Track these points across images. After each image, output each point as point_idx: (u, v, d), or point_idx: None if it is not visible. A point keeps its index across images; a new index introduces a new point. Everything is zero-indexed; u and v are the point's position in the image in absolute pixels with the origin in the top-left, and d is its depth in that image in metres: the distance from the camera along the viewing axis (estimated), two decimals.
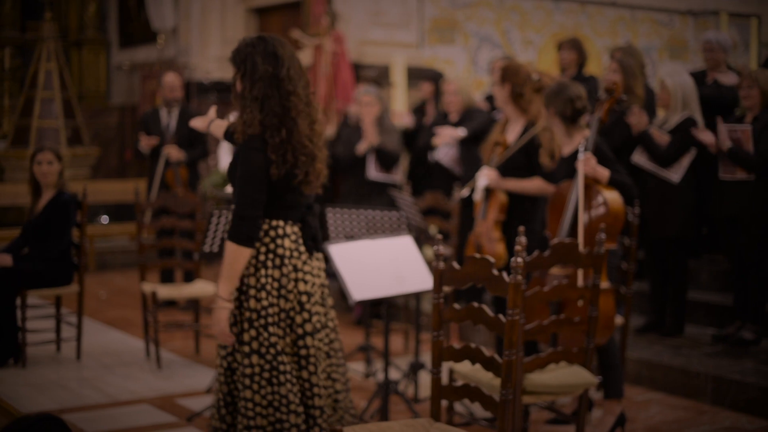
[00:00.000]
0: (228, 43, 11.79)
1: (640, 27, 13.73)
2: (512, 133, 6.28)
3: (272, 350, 4.27)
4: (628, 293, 6.01)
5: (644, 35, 13.71)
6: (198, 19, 13.92)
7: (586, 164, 5.55)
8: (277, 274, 4.30)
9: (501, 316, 4.06)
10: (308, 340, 4.34)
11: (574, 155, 5.75)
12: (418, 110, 9.98)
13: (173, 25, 14.37)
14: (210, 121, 4.84)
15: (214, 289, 7.40)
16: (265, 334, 4.27)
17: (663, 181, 7.28)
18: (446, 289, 4.68)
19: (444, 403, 4.44)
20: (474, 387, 4.19)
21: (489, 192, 6.27)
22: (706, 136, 7.08)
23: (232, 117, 4.39)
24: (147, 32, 14.93)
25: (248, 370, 4.26)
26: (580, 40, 9.24)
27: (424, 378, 6.65)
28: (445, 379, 4.47)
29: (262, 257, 4.31)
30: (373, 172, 8.75)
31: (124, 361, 7.55)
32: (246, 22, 13.60)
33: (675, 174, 7.25)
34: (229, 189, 7.32)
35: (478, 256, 4.20)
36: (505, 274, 4.06)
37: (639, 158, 7.35)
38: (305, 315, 4.34)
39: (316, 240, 4.44)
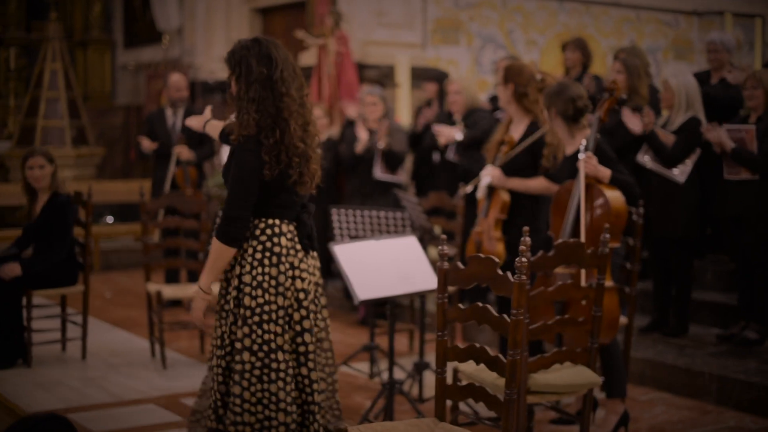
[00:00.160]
0: (232, 43, 11.74)
1: (645, 27, 13.73)
2: (516, 133, 6.29)
3: (265, 347, 4.31)
4: (632, 293, 6.02)
5: (649, 35, 13.72)
6: (203, 19, 13.95)
7: (587, 163, 5.55)
8: (274, 272, 4.34)
9: (505, 316, 4.07)
10: (307, 337, 4.39)
11: (576, 155, 5.76)
12: (423, 109, 9.99)
13: (178, 26, 14.39)
14: (206, 121, 4.88)
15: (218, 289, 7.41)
16: (259, 332, 4.31)
17: (667, 181, 7.29)
18: (451, 288, 4.69)
19: (448, 402, 4.46)
20: (478, 387, 4.20)
21: (492, 190, 6.28)
22: (713, 135, 7.08)
23: (233, 117, 4.41)
24: (152, 32, 14.97)
25: (239, 367, 4.31)
26: (585, 40, 9.25)
27: (429, 378, 6.66)
28: (449, 379, 4.48)
29: (258, 255, 4.35)
30: (378, 172, 8.77)
31: (129, 361, 7.57)
32: (250, 22, 13.62)
33: (680, 174, 7.25)
34: None
35: (482, 256, 4.21)
36: (509, 274, 4.07)
37: (643, 158, 7.35)
38: (303, 312, 4.39)
39: (311, 238, 4.50)
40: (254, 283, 4.33)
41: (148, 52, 15.28)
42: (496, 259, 4.16)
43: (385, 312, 8.19)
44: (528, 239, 4.20)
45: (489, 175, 6.21)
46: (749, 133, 7.01)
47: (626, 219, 5.64)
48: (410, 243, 5.69)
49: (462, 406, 5.70)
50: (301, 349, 4.39)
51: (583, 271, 5.32)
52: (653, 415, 6.21)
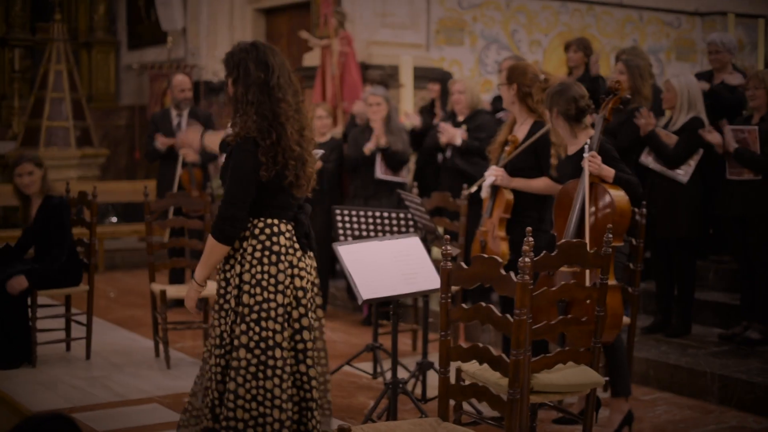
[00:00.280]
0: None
1: (648, 28, 13.73)
2: (520, 134, 6.30)
3: (263, 344, 4.37)
4: (635, 293, 6.03)
5: (651, 36, 13.72)
6: (206, 20, 13.97)
7: (591, 163, 5.57)
8: (273, 270, 4.41)
9: (508, 316, 4.09)
10: (305, 335, 4.47)
11: (578, 154, 5.77)
12: (427, 110, 9.99)
13: (182, 26, 14.41)
14: (202, 134, 4.93)
15: None
16: (257, 329, 4.38)
17: (670, 181, 7.30)
18: (454, 288, 4.71)
19: (451, 402, 4.47)
20: (481, 386, 4.22)
21: (496, 190, 6.29)
22: (713, 137, 7.10)
23: (230, 129, 4.47)
24: (156, 33, 14.99)
25: (235, 363, 4.38)
26: (588, 40, 9.26)
27: (432, 378, 6.67)
28: (452, 378, 4.50)
29: (258, 254, 4.42)
30: (380, 172, 8.78)
31: (134, 361, 7.59)
32: (254, 23, 13.63)
33: (683, 174, 7.26)
34: None
35: (485, 256, 4.22)
36: (512, 274, 4.09)
37: (646, 159, 7.37)
38: (302, 310, 4.47)
39: (309, 238, 4.59)
40: (253, 282, 4.40)
41: (152, 53, 15.30)
42: (499, 259, 4.18)
43: (388, 312, 8.19)
44: (531, 239, 4.22)
45: (493, 174, 6.23)
46: (752, 133, 7.03)
47: (630, 218, 5.65)
48: (413, 243, 5.71)
49: (465, 405, 5.72)
50: (300, 346, 4.47)
51: (587, 271, 5.33)
52: (656, 414, 6.23)
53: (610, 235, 4.76)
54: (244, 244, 4.44)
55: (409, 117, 9.36)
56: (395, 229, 6.79)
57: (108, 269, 12.17)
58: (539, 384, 4.64)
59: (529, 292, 4.06)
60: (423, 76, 10.83)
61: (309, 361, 4.48)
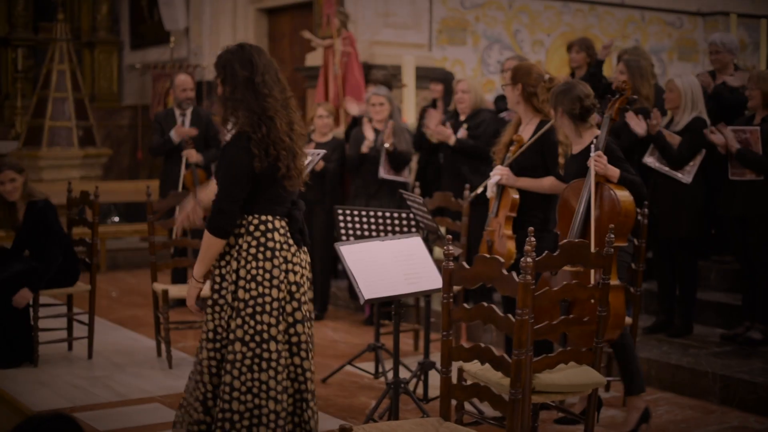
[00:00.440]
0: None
1: (650, 28, 13.73)
2: (525, 134, 6.28)
3: (257, 338, 4.49)
4: (637, 293, 6.03)
5: (654, 36, 13.72)
6: (209, 19, 13.97)
7: (598, 162, 5.57)
8: (268, 265, 4.53)
9: (510, 316, 4.09)
10: (299, 328, 4.60)
11: (583, 154, 5.77)
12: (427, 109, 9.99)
13: (185, 26, 14.42)
14: (195, 200, 5.01)
15: None
16: (252, 323, 4.49)
17: (672, 181, 7.29)
18: (456, 288, 4.71)
19: (453, 402, 4.47)
20: (483, 386, 4.22)
21: (502, 190, 6.28)
22: (716, 137, 7.10)
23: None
24: (159, 33, 15.00)
25: (230, 356, 4.50)
26: (590, 40, 9.26)
27: (434, 377, 6.67)
28: (454, 378, 4.50)
29: (253, 250, 4.54)
30: (383, 172, 8.78)
31: (136, 360, 7.59)
32: (257, 22, 13.64)
33: (687, 175, 7.26)
34: None
35: (487, 255, 4.23)
36: (514, 274, 4.09)
37: (649, 159, 7.36)
38: (295, 304, 4.60)
39: (303, 233, 4.70)
40: (249, 277, 4.52)
41: (154, 53, 15.31)
42: (502, 259, 4.18)
43: (390, 312, 8.20)
44: (533, 239, 4.22)
45: (498, 174, 6.21)
46: (754, 134, 7.03)
47: (635, 219, 5.66)
48: (415, 243, 5.71)
49: (467, 405, 5.72)
50: (294, 339, 4.60)
51: (592, 271, 5.33)
52: (657, 414, 6.22)
53: (612, 235, 4.76)
54: (240, 241, 4.56)
55: (441, 133, 9.15)
56: (397, 229, 6.79)
57: (110, 269, 12.18)
58: (541, 384, 4.64)
59: (531, 293, 4.06)
60: (425, 76, 10.83)
61: (303, 354, 4.62)
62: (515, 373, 4.05)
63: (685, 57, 13.89)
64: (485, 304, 4.22)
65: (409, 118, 10.21)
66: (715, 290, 8.14)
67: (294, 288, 4.59)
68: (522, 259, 4.09)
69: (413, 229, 6.72)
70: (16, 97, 15.09)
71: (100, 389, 6.78)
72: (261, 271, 4.51)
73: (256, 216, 4.57)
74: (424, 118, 9.03)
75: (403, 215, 6.79)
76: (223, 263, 4.61)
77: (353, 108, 9.68)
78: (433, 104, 10.03)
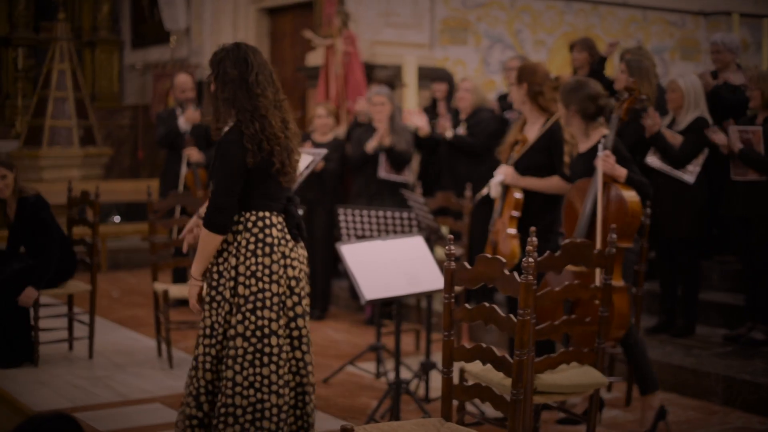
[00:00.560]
0: None
1: (652, 27, 13.71)
2: (531, 133, 6.26)
3: (258, 333, 4.53)
4: (639, 293, 6.01)
5: (656, 36, 13.69)
6: (210, 19, 13.96)
7: (605, 162, 5.55)
8: (267, 261, 4.56)
9: (512, 316, 4.07)
10: (299, 322, 4.65)
11: (591, 153, 5.76)
12: (429, 111, 9.98)
13: (185, 26, 14.41)
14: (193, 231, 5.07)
15: None
16: (252, 318, 4.53)
17: (674, 181, 7.28)
18: (457, 288, 4.70)
19: (455, 402, 4.46)
20: (485, 387, 4.21)
21: (506, 189, 6.25)
22: (718, 137, 7.08)
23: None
24: (159, 33, 14.99)
25: (231, 352, 4.53)
26: (592, 40, 9.25)
27: (435, 378, 6.66)
28: (456, 379, 4.48)
29: (251, 246, 4.57)
30: (383, 172, 8.77)
31: (136, 360, 7.58)
32: (258, 22, 13.62)
33: (689, 175, 7.24)
34: None
35: (489, 255, 4.21)
36: (516, 275, 4.07)
37: (652, 159, 7.34)
38: (295, 299, 4.64)
39: (300, 228, 4.73)
40: (248, 273, 4.55)
41: (155, 53, 15.30)
42: (503, 259, 4.16)
43: (391, 312, 8.19)
44: (535, 239, 4.20)
45: (502, 173, 6.19)
46: (756, 134, 7.01)
47: (641, 219, 5.65)
48: (417, 243, 5.70)
49: (468, 406, 5.70)
50: (295, 333, 4.65)
51: (598, 271, 5.32)
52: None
53: (614, 235, 4.74)
54: (238, 237, 4.59)
55: (413, 116, 9.27)
56: (398, 229, 6.78)
57: (111, 269, 12.16)
58: (542, 384, 4.63)
59: (533, 293, 4.04)
60: (427, 75, 10.82)
61: (304, 348, 4.66)
62: (517, 374, 4.04)
63: (687, 57, 13.87)
64: (487, 304, 4.20)
65: (410, 115, 10.19)
66: (717, 290, 8.12)
67: (293, 283, 4.63)
68: (523, 259, 4.08)
69: (415, 229, 6.70)
70: (17, 97, 15.07)
71: (101, 389, 6.77)
72: (260, 267, 4.55)
73: (254, 212, 4.60)
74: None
75: (405, 215, 6.78)
76: (220, 260, 4.63)
77: (359, 105, 9.66)
78: (434, 104, 10.02)
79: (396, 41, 11.52)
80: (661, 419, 5.72)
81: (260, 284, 4.54)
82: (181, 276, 9.34)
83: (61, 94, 13.94)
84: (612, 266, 4.69)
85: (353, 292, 9.08)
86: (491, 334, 7.73)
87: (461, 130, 8.73)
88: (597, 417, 4.94)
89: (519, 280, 4.02)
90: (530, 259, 4.06)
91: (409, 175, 9.05)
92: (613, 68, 10.02)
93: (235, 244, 4.59)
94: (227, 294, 4.57)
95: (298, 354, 4.65)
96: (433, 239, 6.59)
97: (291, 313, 4.63)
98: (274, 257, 4.57)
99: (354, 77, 10.57)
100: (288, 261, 4.62)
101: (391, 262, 5.53)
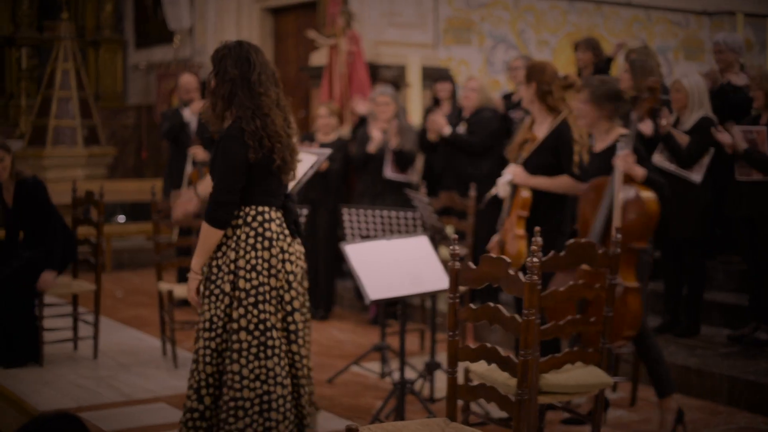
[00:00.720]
0: None
1: (656, 27, 13.70)
2: (540, 132, 6.24)
3: (261, 326, 4.59)
4: None
5: (660, 35, 13.68)
6: (214, 19, 13.96)
7: (625, 162, 5.54)
8: (266, 255, 4.63)
9: (517, 316, 4.07)
10: (296, 316, 4.71)
11: (608, 152, 5.74)
12: (430, 110, 9.97)
13: (189, 25, 14.41)
14: (195, 192, 5.11)
15: None
16: (255, 311, 4.59)
17: (678, 181, 7.26)
18: (462, 288, 4.70)
19: (460, 402, 4.46)
20: (490, 387, 4.21)
21: (515, 189, 6.23)
22: (724, 137, 7.07)
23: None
24: (163, 32, 14.99)
25: (236, 346, 4.58)
26: (597, 39, 9.24)
27: (440, 378, 6.66)
28: (460, 379, 4.49)
29: (251, 240, 4.63)
30: (389, 171, 8.77)
31: (141, 360, 7.58)
32: (261, 22, 13.62)
33: (696, 174, 7.24)
34: None
35: (494, 255, 4.21)
36: (520, 274, 4.07)
37: (658, 159, 7.34)
38: (293, 293, 4.70)
39: (297, 224, 4.81)
40: (248, 267, 4.61)
41: (159, 52, 15.30)
42: (508, 259, 4.16)
43: (396, 312, 8.19)
44: (540, 239, 4.20)
45: (511, 172, 6.15)
46: (760, 134, 7.00)
47: (658, 220, 5.64)
48: (421, 243, 5.70)
49: (473, 406, 5.70)
50: (291, 327, 4.71)
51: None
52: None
53: (619, 236, 4.74)
54: (237, 232, 4.65)
55: (436, 122, 9.08)
56: (403, 228, 6.78)
57: (115, 269, 12.17)
58: (547, 384, 4.63)
59: (537, 293, 4.05)
60: (428, 76, 10.82)
61: (300, 341, 4.73)
62: (522, 374, 4.04)
63: (691, 56, 13.86)
64: (491, 304, 4.20)
65: (415, 117, 10.20)
66: (722, 290, 8.11)
67: (291, 277, 4.69)
68: (528, 259, 4.08)
69: (419, 229, 6.70)
70: (21, 97, 15.09)
71: (106, 389, 6.78)
72: (260, 261, 4.61)
73: (253, 207, 4.66)
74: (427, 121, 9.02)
75: (409, 215, 6.78)
76: (219, 254, 4.68)
77: (361, 107, 9.67)
78: (436, 104, 10.01)
79: (399, 41, 11.52)
80: (679, 422, 5.72)
81: (260, 278, 4.61)
82: (185, 276, 9.35)
83: (65, 94, 13.95)
84: (617, 266, 4.70)
85: (358, 292, 9.08)
86: (496, 333, 7.73)
87: (461, 128, 8.73)
88: (602, 417, 4.94)
89: (523, 280, 4.02)
90: (535, 259, 4.07)
91: (414, 175, 9.05)
92: (618, 69, 10.02)
93: (234, 238, 4.65)
94: (227, 288, 4.62)
95: (294, 348, 4.72)
96: (437, 239, 6.59)
97: (288, 308, 4.69)
98: (273, 251, 4.64)
99: (358, 77, 10.57)
100: (286, 256, 4.69)
101: (395, 262, 5.54)
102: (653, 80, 5.95)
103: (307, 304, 4.90)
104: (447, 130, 8.56)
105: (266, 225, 4.65)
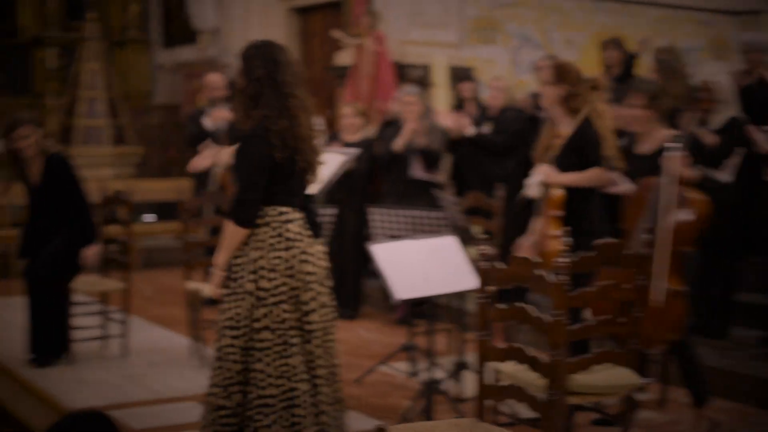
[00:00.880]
0: None
1: (682, 27, 13.64)
2: (565, 132, 6.21)
3: (283, 325, 4.64)
4: None
5: (686, 35, 13.62)
6: (240, 18, 13.99)
7: (679, 163, 5.53)
8: (286, 255, 4.66)
9: (545, 317, 4.08)
10: (313, 316, 4.72)
11: (657, 153, 5.73)
12: (455, 110, 9.98)
13: (215, 25, 14.45)
14: (214, 155, 5.17)
15: None
16: (277, 311, 4.64)
17: (707, 181, 7.23)
18: (490, 288, 4.70)
19: (488, 403, 4.46)
20: (518, 387, 4.21)
21: (547, 189, 6.19)
22: (758, 135, 7.03)
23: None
24: (189, 32, 15.03)
25: (260, 345, 4.64)
26: (623, 39, 9.22)
27: (468, 378, 6.66)
28: (489, 379, 4.49)
29: (272, 240, 4.67)
30: (416, 171, 8.77)
31: (170, 359, 7.62)
32: (287, 21, 13.65)
33: (725, 174, 7.21)
34: None
35: (521, 255, 4.22)
36: (549, 274, 4.07)
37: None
38: (311, 293, 4.71)
39: (318, 225, 4.84)
40: (269, 266, 4.65)
41: (185, 52, 15.35)
42: (538, 259, 4.17)
43: (423, 311, 8.19)
44: (569, 239, 4.20)
45: (541, 172, 6.11)
46: None
47: (707, 223, 5.62)
48: (449, 242, 5.70)
49: (502, 406, 5.70)
50: (307, 327, 4.73)
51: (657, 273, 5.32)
52: (693, 417, 6.17)
53: (645, 235, 4.73)
54: (258, 231, 4.68)
55: (459, 123, 9.09)
56: (430, 228, 6.78)
57: (144, 267, 12.22)
58: (576, 385, 4.62)
59: (565, 293, 4.05)
60: (456, 75, 10.82)
61: (316, 341, 4.75)
62: (551, 374, 4.04)
63: (718, 56, 13.79)
64: (520, 304, 4.21)
65: (440, 117, 10.20)
66: (751, 292, 8.07)
67: (310, 278, 4.71)
68: (555, 259, 4.08)
69: (446, 229, 6.70)
70: (49, 96, 15.17)
71: (134, 387, 6.82)
72: (281, 261, 4.65)
73: (275, 207, 4.69)
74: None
75: (436, 215, 6.78)
76: (241, 252, 4.72)
77: (392, 107, 9.67)
78: (460, 104, 10.00)
79: (425, 41, 11.52)
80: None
81: (280, 278, 4.64)
82: None
83: (93, 94, 14.03)
84: (646, 266, 4.68)
85: (385, 292, 9.09)
86: (526, 333, 7.72)
87: (486, 128, 8.72)
88: (631, 418, 4.93)
89: (551, 280, 4.03)
90: (563, 259, 4.07)
91: (441, 175, 9.05)
92: (642, 66, 9.99)
93: (256, 237, 4.68)
94: (250, 287, 4.66)
95: (309, 347, 4.73)
96: (464, 239, 6.59)
97: (305, 308, 4.71)
98: (293, 252, 4.67)
99: (384, 77, 10.58)
100: (306, 256, 4.71)
101: (423, 262, 5.54)
102: (707, 81, 5.92)
103: (332, 303, 4.90)
104: (470, 131, 8.56)
105: (287, 225, 4.69)
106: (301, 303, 4.70)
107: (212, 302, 8.83)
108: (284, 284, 4.65)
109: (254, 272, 4.66)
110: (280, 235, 4.67)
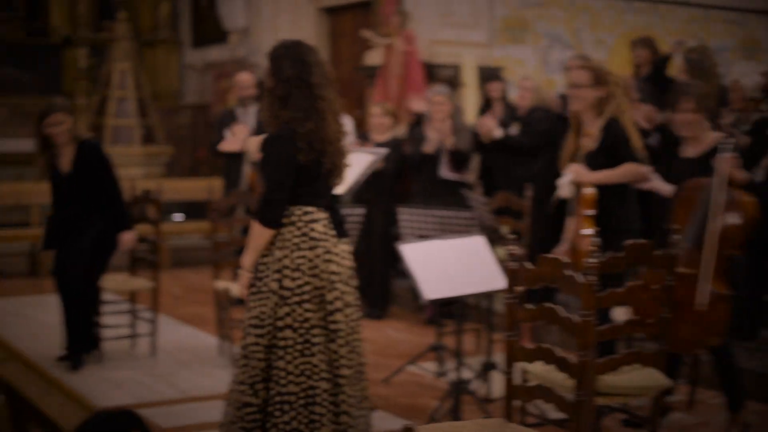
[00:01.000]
0: None
1: (713, 26, 13.57)
2: (593, 132, 6.18)
3: (306, 324, 4.65)
4: None
5: (717, 35, 13.55)
6: (269, 18, 14.02)
7: (729, 164, 5.51)
8: (311, 255, 4.68)
9: (574, 317, 4.06)
10: (338, 316, 4.71)
11: (707, 155, 5.71)
12: (483, 111, 9.95)
13: (244, 25, 14.49)
14: (242, 140, 5.17)
15: None
16: (299, 310, 4.65)
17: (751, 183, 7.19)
18: (519, 288, 4.69)
19: (516, 403, 4.45)
20: (547, 387, 4.20)
21: (578, 188, 6.15)
22: None
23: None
24: (219, 32, 15.09)
25: (281, 343, 4.66)
26: (653, 38, 9.18)
27: (496, 378, 6.65)
28: (517, 379, 4.48)
29: (296, 240, 4.68)
30: (445, 171, 8.76)
31: (199, 358, 7.65)
32: (317, 21, 13.67)
33: (757, 174, 7.16)
34: None
35: (549, 256, 4.21)
36: (578, 275, 4.06)
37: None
38: (336, 293, 4.71)
39: (342, 225, 4.83)
40: (293, 266, 4.66)
41: (214, 52, 15.41)
42: (566, 259, 4.15)
43: (452, 311, 8.18)
44: (598, 239, 4.18)
45: (573, 171, 6.06)
46: None
47: (756, 226, 5.59)
48: (478, 243, 5.69)
49: (530, 406, 5.68)
50: (332, 326, 4.72)
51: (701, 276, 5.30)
52: (723, 418, 6.14)
53: (674, 236, 4.70)
54: (283, 231, 4.70)
55: (485, 125, 9.06)
56: (459, 228, 6.77)
57: (173, 267, 12.27)
58: (605, 386, 4.60)
59: (594, 294, 4.04)
60: (484, 75, 10.81)
61: (340, 341, 4.73)
62: (580, 375, 4.03)
63: (749, 56, 13.71)
64: (548, 304, 4.20)
65: (469, 117, 10.19)
66: None
67: (335, 278, 4.71)
68: (585, 260, 4.06)
69: (475, 229, 6.69)
70: (79, 96, 15.26)
71: (163, 386, 6.84)
72: (305, 260, 4.66)
73: (300, 207, 4.70)
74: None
75: (465, 215, 6.77)
76: (267, 252, 4.74)
77: (417, 105, 9.67)
78: (488, 104, 9.97)
79: (455, 41, 11.51)
80: None
81: (304, 278, 4.66)
82: None
83: (123, 94, 14.11)
84: (672, 266, 4.65)
85: (414, 292, 9.09)
86: (554, 334, 7.70)
87: (514, 129, 8.69)
88: (660, 419, 4.91)
89: (580, 280, 4.01)
90: (592, 260, 4.05)
91: (469, 175, 9.03)
92: (675, 67, 9.95)
93: (281, 236, 4.70)
94: (274, 286, 4.67)
95: (333, 347, 4.73)
96: (493, 239, 6.57)
97: (329, 307, 4.71)
98: (318, 252, 4.68)
99: (413, 77, 10.58)
100: (330, 256, 4.71)
101: (452, 262, 5.54)
102: (737, 81, 5.90)
103: (358, 302, 4.89)
104: (498, 133, 8.53)
105: (312, 225, 4.70)
106: (325, 302, 4.71)
107: (240, 302, 8.86)
108: (308, 284, 4.66)
109: (278, 271, 4.68)
110: (304, 234, 4.68)
